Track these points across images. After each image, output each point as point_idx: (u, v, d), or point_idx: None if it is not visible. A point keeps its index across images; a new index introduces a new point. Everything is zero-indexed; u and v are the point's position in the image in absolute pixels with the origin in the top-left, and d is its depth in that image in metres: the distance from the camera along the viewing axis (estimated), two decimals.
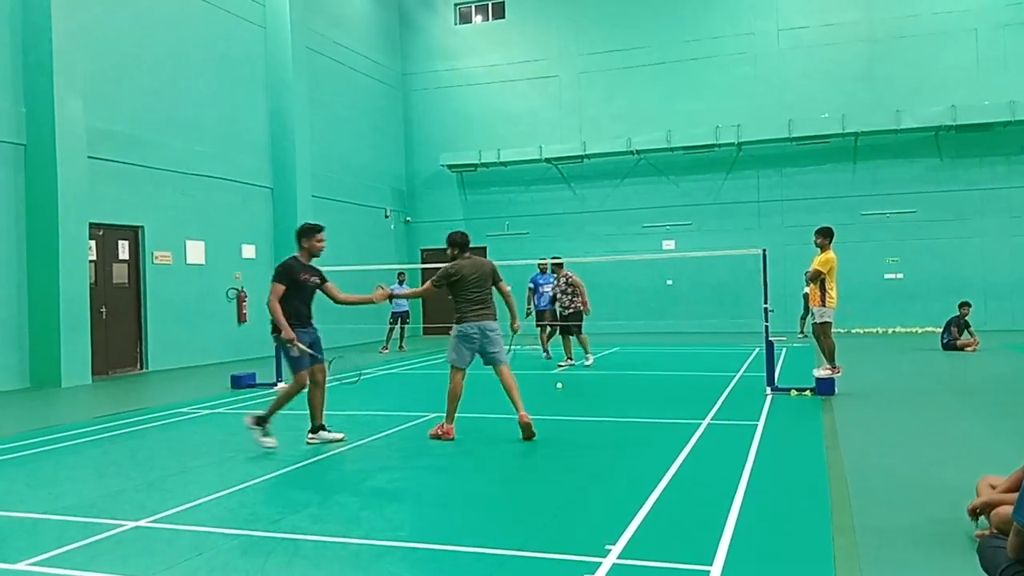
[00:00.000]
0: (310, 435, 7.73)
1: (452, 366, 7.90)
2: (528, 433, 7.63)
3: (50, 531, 5.09)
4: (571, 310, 14.43)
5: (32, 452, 7.77)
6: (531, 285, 15.49)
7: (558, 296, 14.65)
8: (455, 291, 7.87)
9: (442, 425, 7.92)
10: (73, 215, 13.56)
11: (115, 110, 14.89)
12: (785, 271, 18.35)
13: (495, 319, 7.97)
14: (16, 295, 13.24)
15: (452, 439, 7.78)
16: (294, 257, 7.74)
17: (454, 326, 7.86)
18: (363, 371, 7.83)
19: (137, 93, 15.39)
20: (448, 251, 8.01)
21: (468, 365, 7.94)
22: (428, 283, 8.06)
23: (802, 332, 18.74)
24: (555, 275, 14.80)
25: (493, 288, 8.04)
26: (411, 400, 10.79)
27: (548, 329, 15.41)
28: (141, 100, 15.46)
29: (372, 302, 7.88)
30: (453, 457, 7.29)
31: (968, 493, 4.75)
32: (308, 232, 7.79)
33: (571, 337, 14.58)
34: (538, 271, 15.59)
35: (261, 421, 7.47)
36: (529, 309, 15.31)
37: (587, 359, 14.46)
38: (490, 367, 7.93)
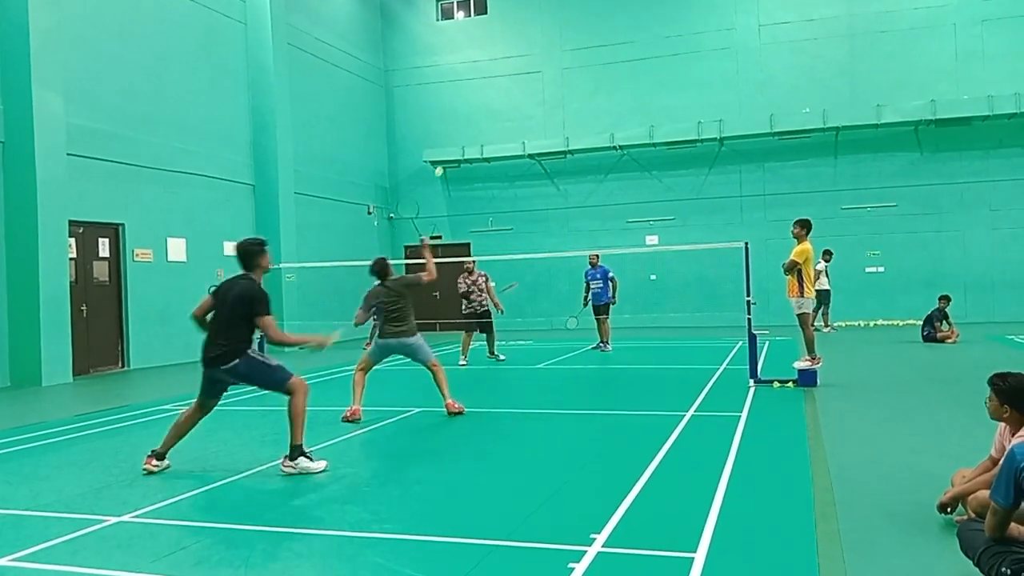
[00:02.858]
0: (291, 463, 6.32)
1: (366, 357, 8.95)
2: (454, 414, 8.72)
3: (32, 527, 5.05)
4: (485, 307, 14.45)
5: (12, 450, 7.71)
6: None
7: (476, 296, 14.43)
8: (378, 312, 8.89)
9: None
10: (52, 212, 13.44)
11: (95, 106, 14.76)
12: (767, 265, 18.43)
13: (413, 335, 8.80)
14: None
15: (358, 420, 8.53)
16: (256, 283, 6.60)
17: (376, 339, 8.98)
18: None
19: (117, 89, 15.26)
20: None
21: (378, 362, 9.14)
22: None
23: (827, 325, 18.97)
24: (467, 274, 14.64)
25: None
26: (393, 396, 10.76)
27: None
28: (121, 96, 15.33)
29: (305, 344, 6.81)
30: (438, 450, 7.30)
31: (947, 481, 4.82)
32: (263, 249, 6.75)
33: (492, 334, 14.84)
34: (589, 265, 16.38)
35: (295, 452, 6.30)
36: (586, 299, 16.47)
37: (497, 355, 14.68)
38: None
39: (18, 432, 8.65)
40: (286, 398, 6.46)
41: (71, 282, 13.97)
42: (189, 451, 7.41)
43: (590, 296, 16.33)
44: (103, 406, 10.47)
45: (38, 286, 13.12)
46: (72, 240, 14.14)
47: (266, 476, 6.29)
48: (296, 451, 6.28)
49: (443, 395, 8.85)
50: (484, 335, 14.72)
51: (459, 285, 14.53)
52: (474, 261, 14.95)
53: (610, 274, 16.26)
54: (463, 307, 14.49)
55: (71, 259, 14.08)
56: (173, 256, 16.44)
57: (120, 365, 15.32)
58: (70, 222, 13.94)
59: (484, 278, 14.58)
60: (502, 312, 14.74)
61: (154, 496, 5.69)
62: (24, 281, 13.18)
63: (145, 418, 9.44)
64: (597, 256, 16.44)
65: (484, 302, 14.41)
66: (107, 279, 15.14)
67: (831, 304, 19.25)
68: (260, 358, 6.42)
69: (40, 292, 13.13)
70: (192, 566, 4.25)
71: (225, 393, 6.76)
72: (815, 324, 12.07)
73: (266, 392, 6.80)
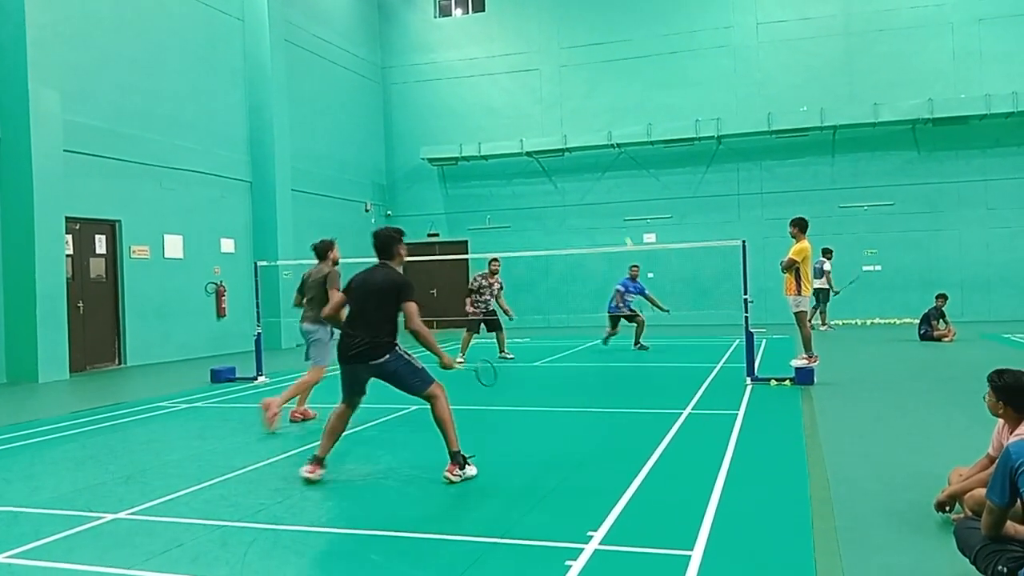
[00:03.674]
0: (458, 470, 5.95)
1: None
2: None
3: (28, 524, 5.04)
4: (492, 308, 14.35)
5: (8, 447, 7.69)
6: (620, 288, 15.96)
7: (487, 297, 14.30)
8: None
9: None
10: (49, 209, 13.40)
11: (92, 103, 14.72)
12: (765, 263, 18.45)
13: (310, 321, 8.53)
14: None
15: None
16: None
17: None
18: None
19: (114, 86, 15.22)
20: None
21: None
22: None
23: (824, 324, 18.97)
24: (490, 275, 14.43)
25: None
26: (391, 393, 10.74)
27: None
28: (118, 93, 15.29)
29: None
30: (434, 448, 7.27)
31: (944, 479, 4.82)
32: (401, 238, 6.28)
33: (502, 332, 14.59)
34: (628, 277, 16.00)
35: (458, 458, 5.95)
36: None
37: (507, 353, 14.53)
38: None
39: (14, 429, 8.63)
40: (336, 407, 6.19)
41: (68, 279, 13.93)
42: (186, 448, 7.42)
43: (625, 305, 15.77)
44: (100, 403, 10.44)
45: (34, 283, 13.09)
46: (68, 237, 14.10)
47: (262, 473, 6.28)
48: (458, 457, 5.91)
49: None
50: (493, 334, 14.56)
51: (474, 281, 14.44)
52: (499, 263, 14.69)
53: (646, 291, 15.95)
54: (474, 306, 14.25)
55: (67, 256, 14.04)
56: (170, 253, 16.41)
57: (117, 362, 15.29)
58: (67, 219, 13.90)
59: (500, 285, 14.49)
60: (512, 318, 14.64)
61: (150, 494, 5.68)
62: (20, 278, 13.15)
63: (142, 415, 9.42)
64: (638, 268, 16.08)
65: (491, 305, 14.39)
66: (104, 276, 15.11)
67: (829, 302, 19.27)
68: (408, 357, 5.99)
69: (36, 289, 13.09)
70: (188, 563, 4.24)
71: (364, 391, 6.19)
72: (812, 322, 12.15)
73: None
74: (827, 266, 18.61)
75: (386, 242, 6.18)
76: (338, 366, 6.15)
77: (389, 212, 24.97)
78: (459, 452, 5.94)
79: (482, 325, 14.42)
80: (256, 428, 8.36)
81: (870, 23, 21.32)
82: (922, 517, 4.59)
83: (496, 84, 24.03)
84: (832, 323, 19.60)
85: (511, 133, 23.36)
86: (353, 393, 6.16)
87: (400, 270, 6.17)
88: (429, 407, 6.03)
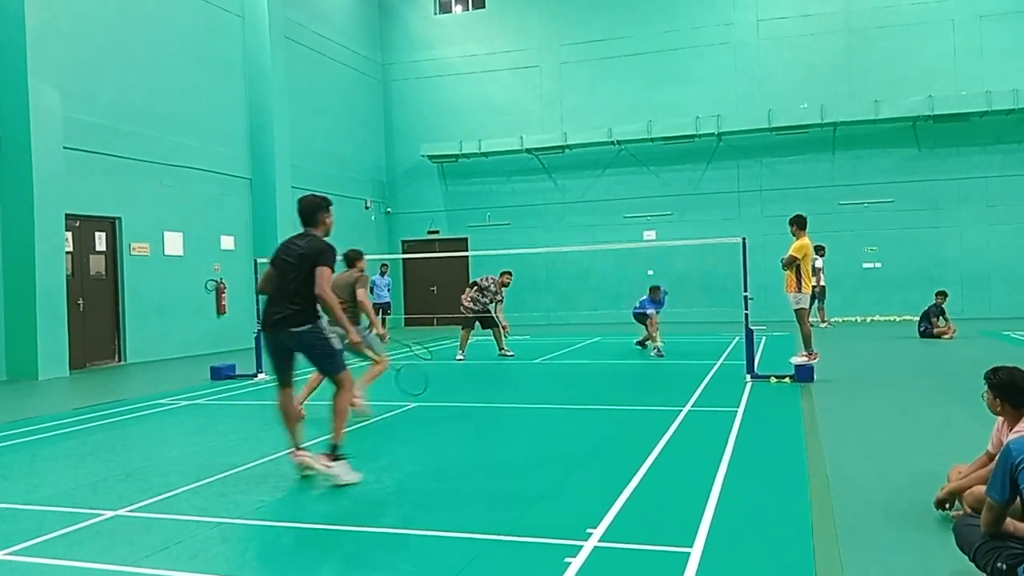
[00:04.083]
0: (328, 462, 5.82)
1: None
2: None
3: (29, 521, 5.04)
4: (487, 309, 14.46)
5: (8, 444, 7.69)
6: (652, 312, 14.78)
7: (486, 299, 14.40)
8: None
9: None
10: (49, 206, 13.40)
11: (91, 100, 14.72)
12: (764, 260, 18.44)
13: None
14: None
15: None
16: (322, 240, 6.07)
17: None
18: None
19: (114, 83, 15.21)
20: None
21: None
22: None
23: (824, 321, 18.95)
24: (500, 284, 14.59)
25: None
26: (390, 390, 10.76)
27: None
28: (118, 90, 15.29)
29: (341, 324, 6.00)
30: (435, 445, 7.29)
31: (944, 476, 4.82)
32: (327, 206, 6.24)
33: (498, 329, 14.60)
34: (647, 298, 14.62)
35: (334, 451, 5.81)
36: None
37: (507, 350, 14.56)
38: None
39: (14, 426, 8.64)
40: (294, 396, 6.23)
41: (67, 276, 13.94)
42: (186, 445, 7.42)
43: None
44: (100, 400, 10.44)
45: (34, 280, 13.10)
46: (68, 234, 14.11)
47: (262, 471, 6.28)
48: (335, 451, 5.79)
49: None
50: (489, 331, 14.67)
51: (484, 279, 14.58)
52: (511, 278, 14.76)
53: (663, 303, 14.87)
54: (472, 304, 14.37)
55: (67, 253, 14.04)
56: (170, 250, 16.41)
57: (117, 359, 15.30)
58: (66, 216, 13.91)
59: (502, 297, 14.59)
60: (507, 332, 14.70)
61: (150, 491, 5.68)
62: (20, 275, 13.15)
63: (142, 412, 9.43)
64: (659, 289, 14.75)
65: (488, 307, 14.48)
66: (104, 273, 15.11)
67: (826, 299, 19.28)
68: (328, 335, 5.90)
69: (36, 286, 13.10)
70: (188, 560, 4.24)
71: (293, 365, 6.05)
72: (811, 320, 12.10)
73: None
74: (819, 263, 18.59)
75: (311, 209, 6.11)
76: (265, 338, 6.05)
77: (389, 209, 24.97)
78: (337, 447, 5.81)
79: (477, 323, 14.55)
80: (256, 425, 8.38)
81: (871, 20, 21.31)
82: (922, 514, 4.59)
83: (496, 81, 24.01)
84: (831, 320, 19.60)
85: (511, 130, 23.34)
86: (281, 370, 6.09)
87: (327, 239, 6.05)
88: (334, 393, 5.96)
